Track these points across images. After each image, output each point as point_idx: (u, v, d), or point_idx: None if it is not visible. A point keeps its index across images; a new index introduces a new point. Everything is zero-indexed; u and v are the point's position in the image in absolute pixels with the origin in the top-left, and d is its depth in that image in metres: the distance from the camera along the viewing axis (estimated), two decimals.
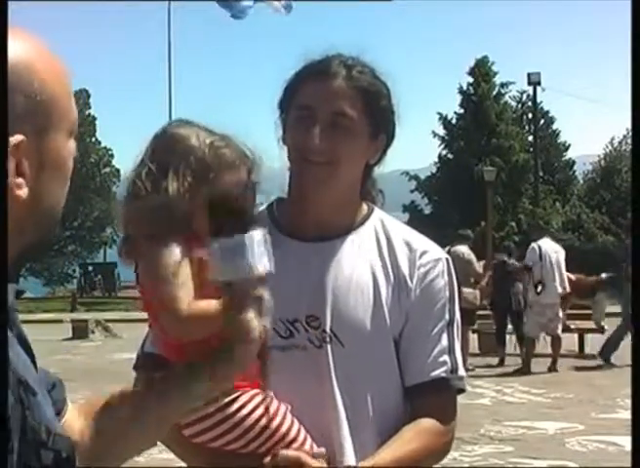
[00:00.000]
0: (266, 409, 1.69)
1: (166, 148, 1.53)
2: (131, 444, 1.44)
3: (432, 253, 1.89)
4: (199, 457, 1.76)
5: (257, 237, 1.41)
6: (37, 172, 1.07)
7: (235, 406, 1.68)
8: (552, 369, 12.01)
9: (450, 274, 1.90)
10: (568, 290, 12.38)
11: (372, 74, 1.85)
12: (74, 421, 1.38)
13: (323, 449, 1.73)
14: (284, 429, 1.71)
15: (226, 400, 1.67)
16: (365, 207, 1.94)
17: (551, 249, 12.19)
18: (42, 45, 1.10)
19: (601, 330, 14.22)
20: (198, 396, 1.44)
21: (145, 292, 1.53)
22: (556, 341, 12.20)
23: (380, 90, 1.85)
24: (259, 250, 1.40)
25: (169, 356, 1.54)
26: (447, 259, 1.92)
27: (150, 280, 1.49)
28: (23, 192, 1.05)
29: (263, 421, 1.69)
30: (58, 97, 1.09)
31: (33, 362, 1.24)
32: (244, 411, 1.68)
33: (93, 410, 1.41)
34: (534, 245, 12.31)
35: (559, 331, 12.26)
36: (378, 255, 1.87)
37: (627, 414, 6.50)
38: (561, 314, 12.36)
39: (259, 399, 1.70)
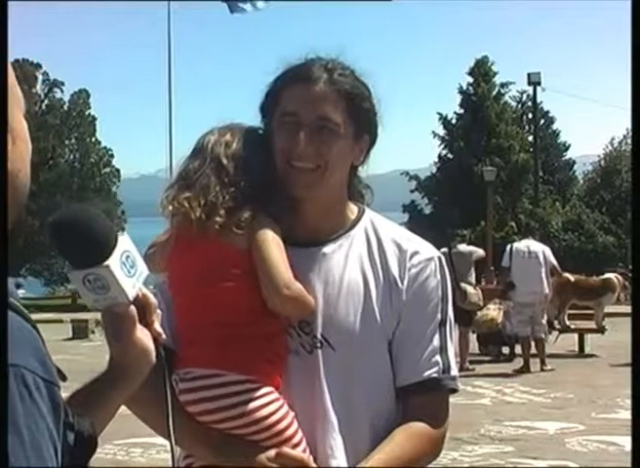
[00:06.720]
0: (281, 406, 1.73)
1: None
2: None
3: (423, 253, 1.87)
4: (189, 435, 1.73)
5: (113, 265, 1.30)
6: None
7: (253, 394, 1.71)
8: (542, 369, 12.00)
9: (442, 273, 1.87)
10: (546, 291, 12.07)
11: (353, 76, 1.84)
12: None
13: None
14: (290, 432, 1.73)
15: (246, 387, 1.71)
16: (355, 208, 1.92)
17: (527, 250, 12.01)
18: None
19: (602, 330, 14.23)
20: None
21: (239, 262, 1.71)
22: (539, 343, 12.18)
23: (362, 92, 1.84)
24: (120, 276, 1.31)
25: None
26: (439, 258, 1.89)
27: (263, 253, 1.70)
28: None
29: (275, 417, 1.72)
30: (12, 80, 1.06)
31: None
32: (260, 402, 1.71)
33: None
34: (508, 246, 12.36)
35: (542, 334, 12.23)
36: (368, 259, 1.85)
37: (627, 414, 6.50)
38: (545, 318, 12.31)
39: (275, 395, 1.74)
